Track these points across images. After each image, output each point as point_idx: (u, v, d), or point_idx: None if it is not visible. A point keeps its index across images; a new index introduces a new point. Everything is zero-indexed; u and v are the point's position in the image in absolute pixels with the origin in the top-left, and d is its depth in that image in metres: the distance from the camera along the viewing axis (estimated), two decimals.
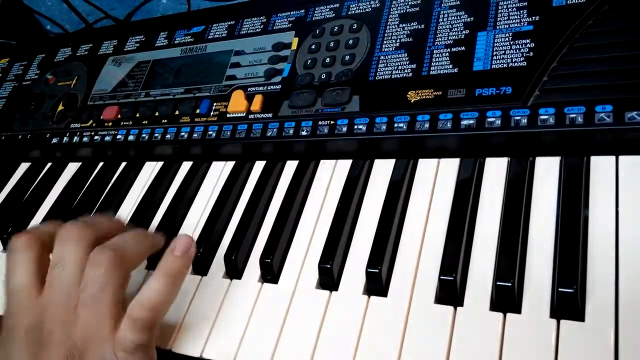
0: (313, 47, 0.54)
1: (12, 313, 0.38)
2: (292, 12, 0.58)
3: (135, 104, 0.60)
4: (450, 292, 0.36)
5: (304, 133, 0.49)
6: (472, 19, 0.47)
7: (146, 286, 0.38)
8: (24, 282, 0.38)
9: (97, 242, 0.39)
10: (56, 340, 0.36)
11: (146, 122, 0.58)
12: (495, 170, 0.42)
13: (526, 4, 0.46)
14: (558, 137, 0.40)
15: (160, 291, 0.37)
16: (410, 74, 0.47)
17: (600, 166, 0.39)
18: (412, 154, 0.45)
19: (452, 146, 0.44)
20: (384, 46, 0.50)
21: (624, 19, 0.41)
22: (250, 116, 0.53)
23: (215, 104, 0.55)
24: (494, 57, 0.44)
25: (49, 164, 0.65)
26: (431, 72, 0.46)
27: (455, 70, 0.45)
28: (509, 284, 0.34)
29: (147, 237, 0.42)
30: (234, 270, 0.44)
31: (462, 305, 0.36)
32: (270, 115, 0.52)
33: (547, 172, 0.40)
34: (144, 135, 0.57)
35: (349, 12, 0.54)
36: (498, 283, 0.35)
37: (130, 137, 0.58)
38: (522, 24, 0.45)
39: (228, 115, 0.54)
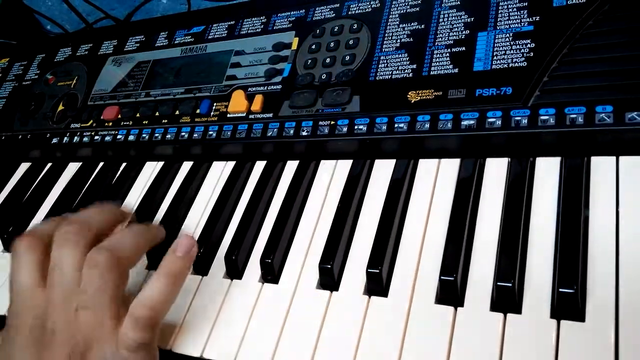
0: (313, 47, 0.54)
1: (16, 313, 0.38)
2: (292, 12, 0.58)
3: (135, 104, 0.60)
4: (451, 292, 0.36)
5: (304, 133, 0.49)
6: (472, 19, 0.47)
7: (148, 285, 0.38)
8: (27, 282, 0.38)
9: (95, 240, 0.39)
10: (59, 339, 0.36)
11: (146, 122, 0.58)
12: (496, 170, 0.42)
13: (526, 4, 0.46)
14: (558, 138, 0.40)
15: (162, 291, 0.38)
16: (410, 74, 0.47)
17: (601, 166, 0.39)
18: (413, 154, 0.45)
19: (452, 146, 0.44)
20: (384, 46, 0.50)
21: (624, 20, 0.41)
22: (251, 116, 0.53)
23: (215, 104, 0.55)
24: (495, 58, 0.44)
25: (49, 164, 0.65)
26: (431, 73, 0.46)
27: (456, 70, 0.45)
28: (510, 284, 0.34)
29: (145, 231, 0.42)
30: (235, 270, 0.44)
31: (462, 305, 0.36)
32: (270, 115, 0.52)
33: (547, 172, 0.40)
34: (144, 135, 0.57)
35: (349, 12, 0.54)
36: (498, 283, 0.35)
37: (131, 137, 0.58)
38: (522, 24, 0.45)
39: (228, 115, 0.54)
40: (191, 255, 0.40)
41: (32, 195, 0.62)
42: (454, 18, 0.48)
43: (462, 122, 0.43)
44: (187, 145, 0.55)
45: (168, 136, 0.56)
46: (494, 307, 0.35)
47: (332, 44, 0.53)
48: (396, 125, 0.45)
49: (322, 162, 0.49)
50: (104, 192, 0.57)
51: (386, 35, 0.51)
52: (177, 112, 0.57)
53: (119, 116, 0.61)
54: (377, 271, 0.39)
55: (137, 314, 0.37)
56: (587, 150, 0.39)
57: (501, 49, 0.45)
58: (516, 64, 0.43)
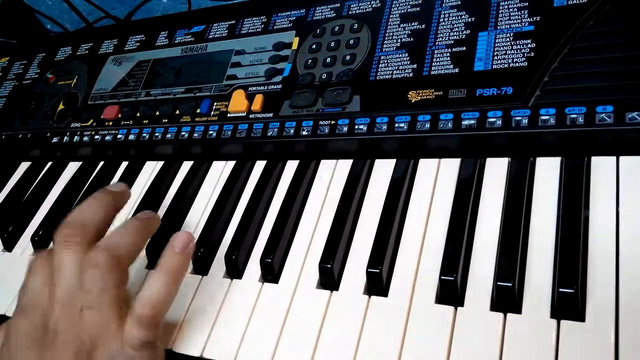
0: (314, 46, 0.54)
1: (20, 313, 0.38)
2: (292, 12, 0.58)
3: (135, 104, 0.60)
4: (451, 292, 0.36)
5: (304, 133, 0.49)
6: (473, 19, 0.47)
7: (148, 284, 0.38)
8: (34, 285, 0.38)
9: (94, 238, 0.40)
10: (62, 339, 0.36)
11: (147, 121, 0.58)
12: (496, 170, 0.42)
13: (527, 4, 0.46)
14: (559, 138, 0.40)
15: (163, 288, 0.38)
16: (411, 74, 0.47)
17: (601, 167, 0.39)
18: (413, 154, 0.45)
19: (452, 146, 0.44)
20: (384, 46, 0.50)
21: (625, 20, 0.41)
22: (251, 116, 0.53)
23: (215, 103, 0.55)
24: (495, 57, 0.44)
25: (50, 163, 0.65)
26: (432, 72, 0.46)
27: (456, 70, 0.45)
28: (510, 284, 0.34)
29: (141, 226, 0.42)
30: (235, 269, 0.44)
31: (462, 305, 0.36)
32: (271, 115, 0.52)
33: (547, 172, 0.40)
34: (144, 134, 0.57)
35: (350, 12, 0.54)
36: (498, 283, 0.35)
37: (131, 137, 0.58)
38: (523, 24, 0.45)
39: (229, 115, 0.54)
40: (189, 250, 0.40)
41: (32, 194, 0.62)
42: (454, 18, 0.48)
43: (463, 122, 0.43)
44: (188, 144, 0.55)
45: (168, 136, 0.56)
46: (494, 307, 0.35)
47: (332, 44, 0.53)
48: (396, 125, 0.45)
49: (323, 161, 0.49)
50: None
51: (387, 35, 0.51)
52: (177, 112, 0.57)
53: (119, 115, 0.61)
54: (377, 271, 0.39)
55: (140, 312, 0.37)
56: (588, 150, 0.39)
57: (502, 48, 0.44)
58: (517, 64, 0.43)
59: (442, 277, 0.36)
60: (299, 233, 0.45)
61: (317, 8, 0.56)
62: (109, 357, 0.36)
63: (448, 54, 0.46)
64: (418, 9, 0.51)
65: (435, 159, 0.45)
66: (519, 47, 0.44)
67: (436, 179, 0.44)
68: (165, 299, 0.38)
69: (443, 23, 0.48)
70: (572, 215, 0.36)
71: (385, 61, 0.49)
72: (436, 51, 0.47)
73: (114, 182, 0.57)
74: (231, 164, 0.54)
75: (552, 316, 0.34)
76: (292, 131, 0.49)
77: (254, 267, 0.45)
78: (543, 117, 0.40)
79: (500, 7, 0.47)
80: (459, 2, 0.49)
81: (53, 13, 0.89)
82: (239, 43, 0.59)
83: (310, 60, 0.53)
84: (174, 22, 0.66)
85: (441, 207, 0.42)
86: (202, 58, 0.60)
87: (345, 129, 0.47)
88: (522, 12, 0.45)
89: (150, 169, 0.58)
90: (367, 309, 0.39)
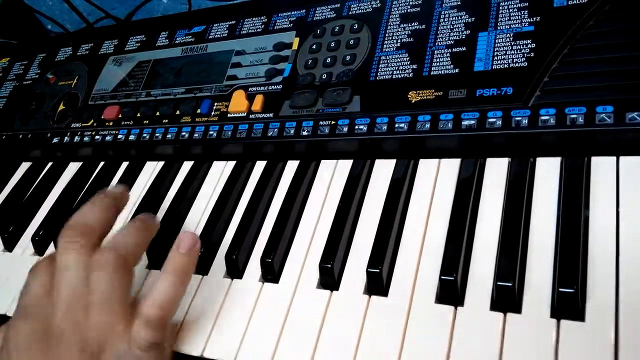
0: (314, 47, 0.54)
1: (20, 313, 0.38)
2: (293, 12, 0.58)
3: (136, 104, 0.60)
4: (451, 292, 0.37)
5: (304, 133, 0.49)
6: (473, 19, 0.47)
7: (155, 285, 0.38)
8: (35, 287, 0.38)
9: (98, 240, 0.40)
10: (67, 339, 0.36)
11: (147, 121, 0.58)
12: (496, 170, 0.42)
13: (527, 4, 0.46)
14: (559, 138, 0.40)
15: (169, 289, 0.38)
16: (411, 74, 0.47)
17: (601, 167, 0.39)
18: (413, 154, 0.45)
19: (452, 146, 0.44)
20: (384, 46, 0.50)
21: (625, 20, 0.41)
22: (251, 116, 0.53)
23: (216, 103, 0.55)
24: (495, 58, 0.44)
25: (50, 164, 0.65)
26: (432, 73, 0.46)
27: (456, 70, 0.45)
28: (510, 284, 0.34)
29: (144, 227, 0.42)
30: (235, 269, 0.45)
31: (462, 305, 0.36)
32: (271, 115, 0.52)
33: (547, 172, 0.40)
34: (144, 135, 0.58)
35: (350, 12, 0.54)
36: (498, 283, 0.35)
37: (131, 137, 0.58)
38: (523, 24, 0.45)
39: (229, 115, 0.54)
40: (195, 251, 0.40)
41: (33, 194, 0.62)
42: (454, 18, 0.48)
43: (463, 122, 0.43)
44: (188, 145, 0.55)
45: (169, 136, 0.56)
46: (494, 306, 0.36)
47: (332, 44, 0.53)
48: (396, 125, 0.45)
49: (323, 162, 0.49)
50: None
51: (387, 35, 0.51)
52: (177, 112, 0.57)
53: (120, 116, 0.61)
54: (378, 271, 0.39)
55: (148, 314, 0.37)
56: (588, 151, 0.39)
57: (502, 49, 0.45)
58: (517, 64, 0.43)
59: (442, 277, 0.36)
60: (299, 233, 0.45)
61: (317, 8, 0.57)
62: (116, 357, 0.36)
63: (448, 54, 0.47)
64: (418, 9, 0.51)
65: (436, 159, 0.45)
66: (519, 47, 0.44)
67: (436, 179, 0.44)
68: (172, 299, 0.38)
69: (443, 23, 0.48)
70: (572, 215, 0.36)
71: (385, 61, 0.49)
72: (436, 51, 0.47)
73: (113, 185, 0.58)
74: (231, 164, 0.54)
75: (552, 316, 0.34)
76: (292, 131, 0.49)
77: (254, 267, 0.45)
78: (543, 117, 0.40)
79: (500, 8, 0.47)
80: (459, 2, 0.49)
81: (53, 13, 0.89)
82: (239, 43, 0.59)
83: (310, 61, 0.53)
84: (174, 23, 0.66)
85: (441, 207, 0.42)
86: (203, 58, 0.60)
87: (346, 129, 0.47)
88: (522, 12, 0.46)
89: (151, 169, 0.58)
90: (367, 309, 0.39)
